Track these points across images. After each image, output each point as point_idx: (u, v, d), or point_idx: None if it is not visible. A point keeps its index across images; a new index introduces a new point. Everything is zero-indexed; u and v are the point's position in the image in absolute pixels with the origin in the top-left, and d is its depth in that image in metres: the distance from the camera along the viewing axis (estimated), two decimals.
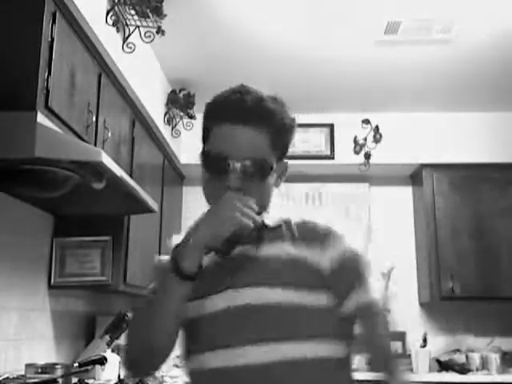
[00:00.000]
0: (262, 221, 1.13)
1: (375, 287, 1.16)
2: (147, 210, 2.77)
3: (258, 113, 1.11)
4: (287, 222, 1.16)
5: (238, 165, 1.08)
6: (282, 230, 1.15)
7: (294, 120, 1.18)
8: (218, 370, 1.07)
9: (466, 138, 4.23)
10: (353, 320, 1.15)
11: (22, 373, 2.34)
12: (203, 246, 1.06)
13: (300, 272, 1.10)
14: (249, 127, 1.09)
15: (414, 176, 4.43)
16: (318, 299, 1.10)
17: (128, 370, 1.23)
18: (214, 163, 1.11)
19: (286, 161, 1.20)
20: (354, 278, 1.14)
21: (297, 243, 1.13)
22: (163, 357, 1.14)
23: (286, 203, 1.37)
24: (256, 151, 1.10)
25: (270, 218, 1.17)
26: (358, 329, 1.16)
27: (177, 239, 1.15)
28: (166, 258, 1.18)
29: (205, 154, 1.14)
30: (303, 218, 1.18)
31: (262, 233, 1.13)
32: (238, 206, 1.03)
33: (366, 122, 4.24)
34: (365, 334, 1.16)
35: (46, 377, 2.28)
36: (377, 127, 4.22)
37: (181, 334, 1.16)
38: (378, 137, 4.20)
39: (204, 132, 1.17)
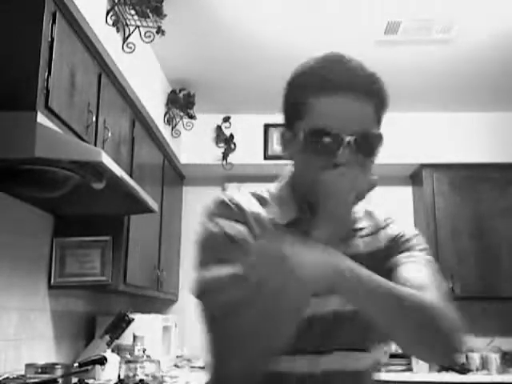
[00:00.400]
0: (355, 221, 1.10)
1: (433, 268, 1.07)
2: (147, 210, 2.77)
3: (367, 82, 1.00)
4: (378, 223, 1.15)
5: (351, 139, 0.97)
6: (376, 234, 1.12)
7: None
8: (304, 374, 1.01)
9: (465, 138, 4.23)
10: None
11: (22, 373, 2.34)
12: (333, 238, 0.95)
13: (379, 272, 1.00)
14: (358, 97, 0.98)
15: (414, 176, 4.44)
16: None
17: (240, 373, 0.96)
18: (319, 141, 0.98)
19: None
20: (411, 245, 1.11)
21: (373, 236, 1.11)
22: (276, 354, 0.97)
23: None
24: (366, 124, 0.99)
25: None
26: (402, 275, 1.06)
27: (242, 201, 1.05)
28: (234, 226, 1.01)
29: (306, 131, 0.99)
30: (386, 218, 1.18)
31: (356, 234, 1.09)
32: (355, 178, 0.97)
33: None
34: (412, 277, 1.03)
35: (45, 377, 2.28)
36: None
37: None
38: None
39: (296, 107, 1.03)
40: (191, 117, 3.90)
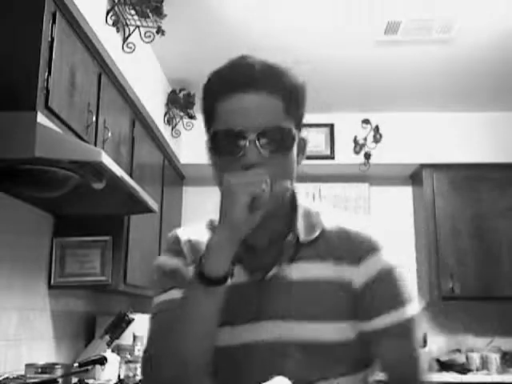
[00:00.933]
0: (297, 235, 1.00)
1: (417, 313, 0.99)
2: (147, 210, 2.77)
3: (268, 75, 0.95)
4: (323, 231, 1.01)
5: (253, 136, 0.91)
6: (320, 244, 1.00)
7: (304, 82, 1.00)
8: None
9: (465, 138, 4.23)
10: (370, 344, 0.99)
11: (22, 373, 2.34)
12: (228, 241, 0.89)
13: (335, 299, 0.96)
14: (259, 92, 0.93)
15: (414, 176, 4.43)
16: (347, 330, 0.97)
17: None
18: (224, 143, 0.94)
19: (303, 134, 1.02)
20: (390, 296, 0.99)
21: (336, 261, 0.98)
22: (199, 374, 0.99)
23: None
24: (272, 118, 0.93)
25: (302, 220, 1.02)
26: (380, 352, 0.99)
27: (181, 233, 1.09)
28: (169, 259, 1.07)
29: (212, 137, 0.97)
30: (341, 225, 1.03)
31: (297, 248, 0.99)
32: (247, 180, 0.87)
33: (366, 122, 4.23)
34: (391, 358, 0.98)
35: (46, 377, 2.28)
36: (377, 127, 4.22)
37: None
38: (378, 137, 4.20)
39: (207, 115, 1.00)
40: (191, 117, 3.89)
